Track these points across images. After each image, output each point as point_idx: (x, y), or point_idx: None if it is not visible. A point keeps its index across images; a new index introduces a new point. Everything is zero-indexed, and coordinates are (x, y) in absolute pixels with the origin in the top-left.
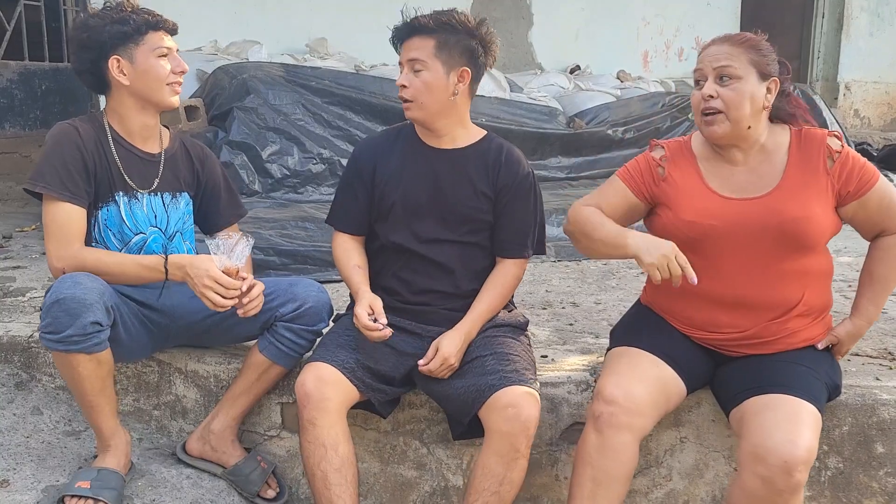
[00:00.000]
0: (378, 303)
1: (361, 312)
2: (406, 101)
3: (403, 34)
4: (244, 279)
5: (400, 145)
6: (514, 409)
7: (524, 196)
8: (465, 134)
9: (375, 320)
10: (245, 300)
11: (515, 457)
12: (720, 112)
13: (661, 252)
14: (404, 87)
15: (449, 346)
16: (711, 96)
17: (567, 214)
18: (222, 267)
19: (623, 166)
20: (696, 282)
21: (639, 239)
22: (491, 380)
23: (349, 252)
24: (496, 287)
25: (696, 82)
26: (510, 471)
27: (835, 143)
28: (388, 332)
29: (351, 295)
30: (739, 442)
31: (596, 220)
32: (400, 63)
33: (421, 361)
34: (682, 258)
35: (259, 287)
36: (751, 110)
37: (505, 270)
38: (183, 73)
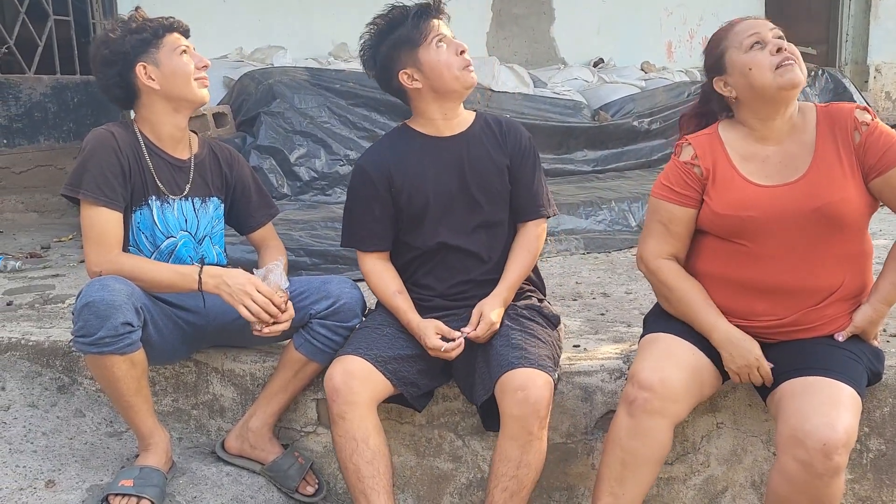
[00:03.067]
0: (441, 325)
1: (436, 342)
2: (469, 66)
3: (431, 13)
4: (281, 303)
5: (407, 146)
6: (524, 391)
7: (531, 160)
8: (466, 116)
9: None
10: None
11: (529, 439)
12: (794, 59)
13: (745, 361)
14: (463, 50)
15: (491, 312)
16: (785, 47)
17: (643, 265)
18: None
19: (658, 184)
20: (772, 381)
21: (724, 336)
22: (503, 361)
23: (384, 278)
24: (524, 250)
25: (752, 47)
26: (526, 454)
27: (862, 116)
28: (464, 333)
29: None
30: (777, 425)
31: (679, 289)
32: (439, 38)
33: (466, 329)
34: (765, 368)
35: (289, 316)
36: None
37: (528, 233)
38: (205, 67)
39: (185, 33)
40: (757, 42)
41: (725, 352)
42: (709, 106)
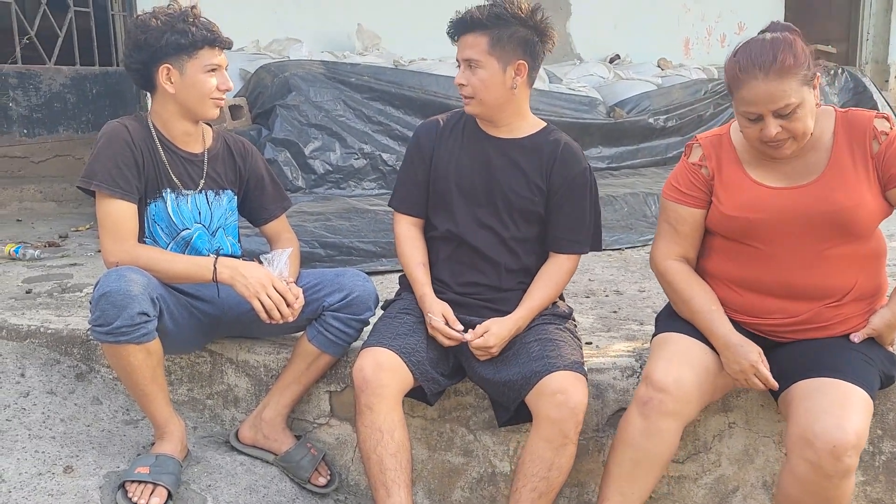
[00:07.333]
0: (448, 310)
1: (438, 322)
2: (466, 97)
3: (458, 30)
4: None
5: (459, 130)
6: (563, 395)
7: (579, 193)
8: (522, 124)
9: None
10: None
11: (564, 443)
12: (788, 138)
13: (740, 366)
14: (463, 84)
15: (497, 333)
16: (778, 133)
17: (653, 266)
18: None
19: (667, 184)
20: (777, 387)
21: (722, 341)
22: (537, 366)
23: (413, 247)
24: (550, 281)
25: (747, 118)
26: (559, 456)
27: (882, 125)
28: (465, 336)
29: (401, 279)
30: (787, 426)
31: (683, 291)
32: (457, 59)
33: (468, 335)
34: (763, 374)
35: (299, 305)
36: (812, 120)
37: (558, 265)
38: (227, 90)
39: (227, 47)
40: (751, 117)
41: (723, 356)
42: None
